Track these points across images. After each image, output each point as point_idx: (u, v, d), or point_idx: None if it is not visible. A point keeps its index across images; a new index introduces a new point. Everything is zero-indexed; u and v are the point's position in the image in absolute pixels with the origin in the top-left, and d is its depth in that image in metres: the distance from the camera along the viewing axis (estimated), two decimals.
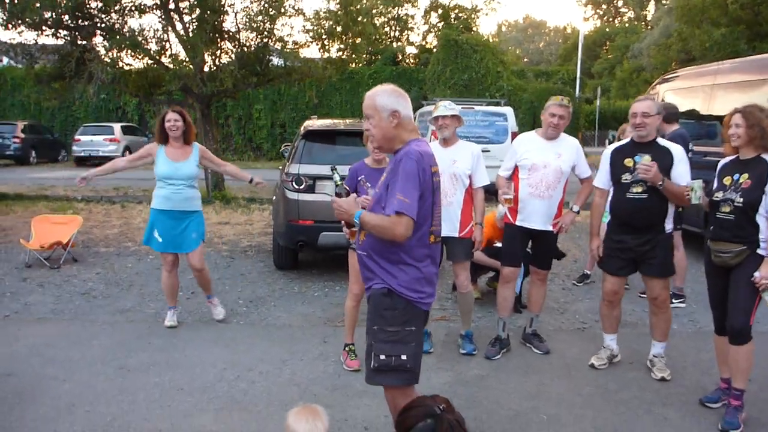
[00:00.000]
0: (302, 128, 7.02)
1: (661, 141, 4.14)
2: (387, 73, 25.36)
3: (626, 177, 4.09)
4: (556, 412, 3.74)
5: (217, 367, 4.32)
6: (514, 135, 12.88)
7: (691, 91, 8.90)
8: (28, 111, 24.69)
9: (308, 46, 12.67)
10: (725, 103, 7.91)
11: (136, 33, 11.52)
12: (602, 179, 4.32)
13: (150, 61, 11.98)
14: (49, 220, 7.75)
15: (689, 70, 9.80)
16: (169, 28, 11.77)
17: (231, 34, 11.96)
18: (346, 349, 4.43)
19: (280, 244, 6.82)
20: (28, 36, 11.27)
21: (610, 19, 58.70)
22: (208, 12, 11.19)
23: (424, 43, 35.10)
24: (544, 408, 3.78)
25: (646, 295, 5.99)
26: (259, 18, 11.67)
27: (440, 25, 33.14)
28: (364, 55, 28.30)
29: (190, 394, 3.91)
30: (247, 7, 11.76)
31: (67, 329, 5.09)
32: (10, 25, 10.70)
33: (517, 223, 4.56)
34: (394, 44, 33.79)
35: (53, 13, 10.71)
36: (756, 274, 3.47)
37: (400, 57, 32.23)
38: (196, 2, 11.24)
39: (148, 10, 11.73)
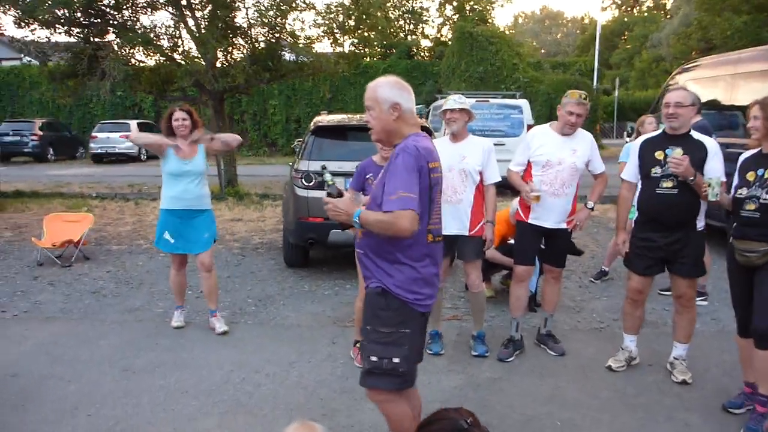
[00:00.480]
0: (312, 124, 6.92)
1: (695, 134, 3.94)
2: (402, 66, 25.20)
3: (656, 171, 3.90)
4: (571, 416, 3.60)
5: (224, 369, 4.24)
6: (530, 128, 12.69)
7: (712, 80, 8.66)
8: (47, 108, 24.93)
9: (320, 40, 12.58)
10: (747, 92, 7.68)
11: (149, 30, 11.50)
12: (630, 172, 4.13)
13: (162, 58, 11.95)
14: (61, 218, 7.73)
15: (710, 59, 9.54)
16: (181, 25, 11.73)
17: (242, 29, 11.89)
18: (357, 345, 4.31)
19: (291, 241, 6.73)
20: (41, 34, 11.29)
21: (629, 9, 57.86)
22: (220, 8, 11.12)
23: (439, 36, 34.86)
24: (559, 413, 3.65)
25: (666, 293, 5.86)
26: (271, 13, 11.59)
27: (455, 17, 32.87)
28: (378, 49, 28.21)
29: (196, 396, 3.83)
30: (258, 2, 11.68)
31: (75, 329, 5.05)
32: (22, 23, 10.71)
33: (530, 221, 4.40)
34: (409, 38, 33.59)
35: (66, 11, 10.71)
36: None
37: (415, 50, 32.02)
38: None
39: (160, 6, 11.70)
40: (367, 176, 4.18)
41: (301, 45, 12.04)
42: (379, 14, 13.21)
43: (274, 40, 11.80)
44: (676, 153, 3.74)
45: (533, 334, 4.82)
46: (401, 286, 2.52)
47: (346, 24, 12.20)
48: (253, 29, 11.84)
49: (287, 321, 5.29)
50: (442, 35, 34.65)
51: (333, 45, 12.67)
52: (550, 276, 4.61)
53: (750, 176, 3.49)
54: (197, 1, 11.59)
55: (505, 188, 4.68)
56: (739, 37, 15.50)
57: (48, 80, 12.37)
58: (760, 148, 3.52)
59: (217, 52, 11.55)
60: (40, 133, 21.80)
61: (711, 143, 3.91)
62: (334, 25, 12.22)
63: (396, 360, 2.52)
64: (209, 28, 11.09)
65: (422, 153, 2.47)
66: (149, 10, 11.68)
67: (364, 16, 12.13)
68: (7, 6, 10.69)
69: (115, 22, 11.38)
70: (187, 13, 11.69)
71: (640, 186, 4.07)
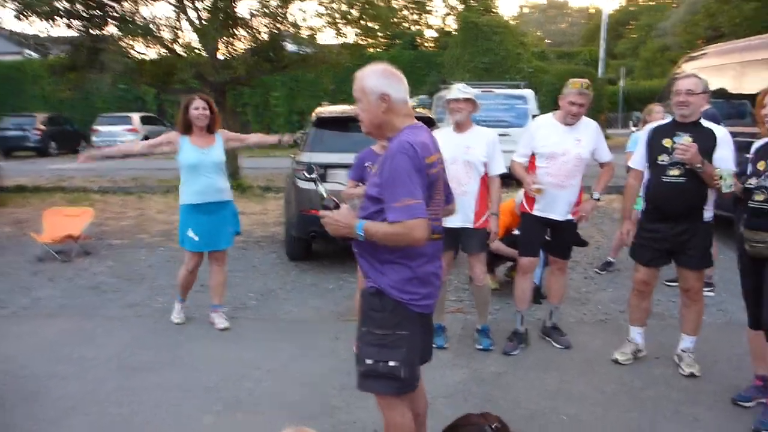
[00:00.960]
0: (313, 115, 6.84)
1: (705, 122, 3.84)
2: (406, 57, 25.04)
3: (663, 158, 3.80)
4: (577, 411, 3.53)
5: (224, 365, 4.18)
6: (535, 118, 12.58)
7: (719, 69, 8.51)
8: (49, 102, 24.83)
9: (323, 31, 12.47)
10: (755, 81, 7.54)
11: (149, 21, 11.39)
12: (638, 159, 4.04)
13: (163, 50, 11.86)
14: (61, 212, 7.68)
15: (717, 48, 9.40)
16: (182, 16, 11.63)
17: (244, 20, 11.78)
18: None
19: (293, 234, 6.66)
20: (41, 27, 11.20)
21: None
22: None
23: (443, 26, 34.62)
24: (565, 407, 3.57)
25: (672, 284, 5.77)
26: (273, 3, 11.47)
27: (460, 7, 32.61)
28: (383, 39, 28.03)
29: (196, 394, 3.77)
30: None
31: (75, 325, 4.99)
32: (22, 16, 10.63)
33: (535, 212, 4.31)
34: (413, 28, 33.35)
35: (65, 3, 10.62)
36: None
37: (419, 41, 31.82)
38: None
39: None
40: (366, 164, 4.10)
41: (303, 35, 11.93)
42: (382, 4, 13.08)
43: (276, 31, 11.69)
44: (684, 140, 3.66)
45: (538, 326, 4.75)
46: (396, 286, 2.39)
47: (349, 14, 12.07)
48: (254, 20, 11.73)
49: (289, 316, 5.23)
50: (446, 25, 34.42)
51: (336, 35, 12.54)
52: (555, 268, 4.52)
53: (761, 165, 3.40)
54: None
55: (510, 179, 4.58)
56: (747, 24, 15.27)
57: (49, 74, 12.30)
58: None
59: (219, 43, 11.45)
60: (43, 127, 21.75)
61: (721, 132, 3.81)
62: (337, 15, 12.09)
63: (392, 363, 2.39)
64: (210, 19, 10.99)
65: (419, 150, 2.31)
66: (149, 1, 11.58)
67: (367, 6, 12.00)
68: None
69: (116, 14, 11.28)
70: (188, 3, 11.59)
71: (647, 175, 3.98)
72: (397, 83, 2.43)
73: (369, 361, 2.43)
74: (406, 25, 33.43)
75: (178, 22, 11.68)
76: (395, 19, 27.77)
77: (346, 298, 5.58)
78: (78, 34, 11.37)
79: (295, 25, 11.88)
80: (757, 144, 3.51)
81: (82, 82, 11.91)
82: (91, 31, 11.20)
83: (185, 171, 4.69)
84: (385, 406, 2.52)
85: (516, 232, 5.35)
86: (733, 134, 5.27)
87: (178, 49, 11.81)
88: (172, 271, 6.44)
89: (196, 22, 11.46)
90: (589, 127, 4.31)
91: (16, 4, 10.48)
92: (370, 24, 13.09)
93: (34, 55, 20.84)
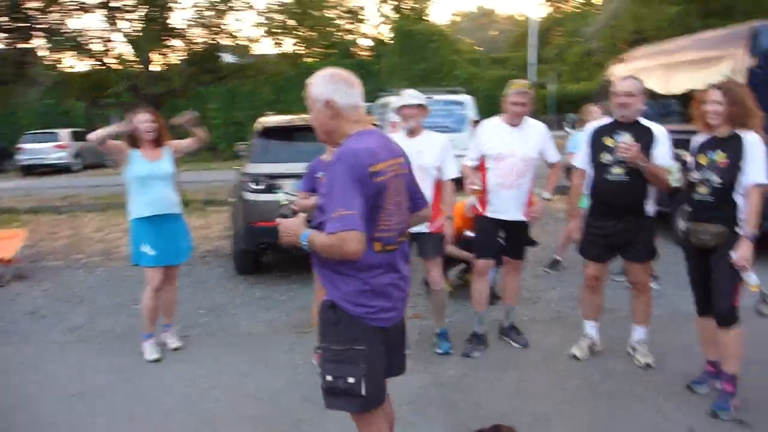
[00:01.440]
0: (257, 125, 6.72)
1: (644, 121, 3.97)
2: (344, 66, 24.76)
3: (607, 157, 3.92)
4: (542, 409, 3.56)
5: (179, 387, 4.02)
6: (475, 123, 12.76)
7: (646, 70, 8.85)
8: None
9: (260, 41, 12.32)
10: (681, 81, 7.89)
11: (78, 33, 10.96)
12: (582, 159, 4.15)
13: (94, 63, 11.44)
14: None
15: (645, 50, 9.78)
16: (114, 27, 11.24)
17: (179, 31, 11.50)
18: (319, 351, 4.15)
19: (241, 247, 6.51)
20: None
21: (560, 5, 59.26)
22: (154, 9, 10.71)
23: (377, 34, 34.84)
24: (527, 406, 3.60)
25: (618, 279, 5.94)
26: (208, 14, 11.25)
27: (393, 16, 32.91)
28: (319, 49, 27.91)
29: (152, 420, 3.60)
30: (196, 2, 11.31)
31: (13, 352, 4.72)
32: None
33: (488, 214, 4.36)
34: (348, 37, 33.39)
35: None
36: (732, 254, 3.35)
37: (354, 49, 31.89)
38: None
39: (90, 8, 11.18)
40: (317, 175, 4.04)
41: (239, 46, 11.75)
42: (317, 14, 13.03)
43: (212, 42, 11.47)
44: (626, 139, 3.77)
45: (495, 327, 4.78)
46: (348, 299, 2.31)
47: (286, 24, 11.96)
48: (189, 30, 11.47)
49: (241, 330, 5.09)
50: (380, 34, 34.65)
51: (274, 45, 12.41)
52: (510, 268, 4.57)
53: (702, 160, 3.53)
54: (130, 3, 11.13)
55: (461, 183, 4.62)
56: (671, 27, 15.93)
57: None
58: (712, 133, 3.55)
59: (153, 54, 11.13)
60: None
61: (658, 129, 3.96)
62: (275, 25, 11.96)
63: (351, 380, 2.29)
64: (144, 30, 10.67)
65: (360, 157, 2.22)
66: (78, 12, 11.14)
67: (303, 16, 11.93)
68: None
69: (42, 26, 10.80)
70: (119, 15, 11.22)
71: (591, 173, 4.09)
72: (345, 87, 2.36)
73: (329, 378, 2.34)
74: (341, 34, 33.49)
75: (109, 34, 11.29)
76: (330, 29, 27.79)
77: (298, 310, 5.49)
78: (3, 47, 10.84)
79: (232, 35, 11.68)
80: (698, 139, 3.65)
81: (7, 96, 11.34)
82: (16, 44, 10.69)
83: (135, 184, 4.50)
84: (357, 422, 2.45)
85: (468, 234, 5.39)
86: None
87: (110, 62, 11.41)
88: (113, 291, 6.22)
89: (129, 32, 11.10)
90: (536, 128, 4.39)
91: None
92: (307, 33, 13.01)
93: None
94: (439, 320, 4.53)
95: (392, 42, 26.12)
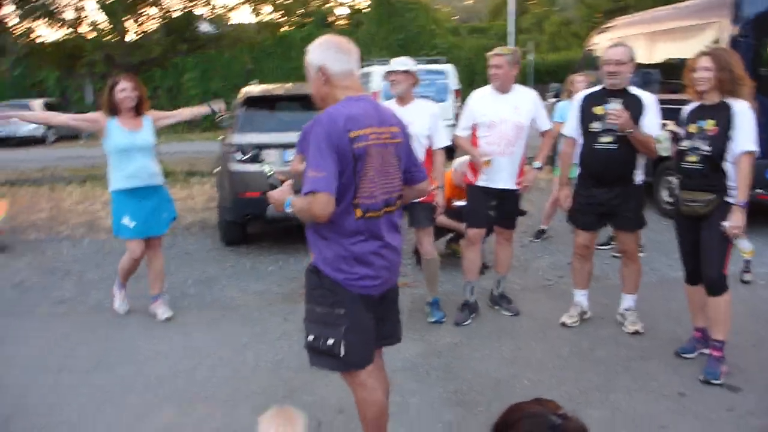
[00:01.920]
0: (242, 94, 6.62)
1: (633, 89, 3.98)
2: (319, 35, 24.59)
3: (595, 125, 3.94)
4: (538, 377, 3.62)
5: (173, 357, 4.01)
6: (457, 93, 12.70)
7: (630, 39, 8.85)
8: None
9: (237, 8, 12.06)
10: (666, 50, 7.93)
11: (50, 1, 10.63)
12: (571, 127, 4.16)
13: (68, 31, 11.12)
14: None
15: (627, 19, 9.78)
16: None
17: None
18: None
19: (227, 219, 6.46)
20: None
21: None
22: None
23: (354, 3, 34.31)
24: (524, 373, 3.66)
25: (604, 248, 6.03)
26: None
27: None
28: (296, 18, 27.47)
29: (148, 389, 3.60)
30: None
31: (0, 326, 4.65)
32: None
33: (480, 183, 4.36)
34: (325, 6, 32.85)
35: None
36: (725, 223, 3.40)
37: (331, 18, 31.40)
38: None
39: None
40: None
41: (218, 15, 11.50)
42: None
43: (189, 10, 11.20)
44: (615, 106, 3.78)
45: (485, 296, 4.82)
46: (329, 263, 2.37)
47: None
48: None
49: (233, 302, 5.08)
50: (357, 2, 34.14)
51: (252, 13, 12.18)
52: (502, 238, 4.60)
53: (692, 128, 3.56)
54: None
55: (451, 153, 4.62)
56: None
57: None
58: (701, 101, 3.57)
59: (128, 23, 10.84)
60: None
61: (648, 97, 3.98)
62: None
63: (330, 341, 2.36)
64: None
65: (339, 121, 2.24)
66: None
67: None
68: None
69: None
70: None
71: (580, 141, 4.11)
72: (338, 54, 2.40)
73: (310, 338, 2.43)
74: (318, 2, 32.92)
75: (81, 2, 10.97)
76: None
77: (289, 280, 5.49)
78: None
79: (209, 3, 11.43)
80: (688, 108, 3.68)
81: None
82: None
83: (115, 155, 4.43)
84: (347, 380, 2.53)
85: (457, 203, 5.41)
86: None
87: (84, 31, 11.10)
88: (101, 263, 6.14)
89: (102, 0, 10.80)
90: (526, 95, 4.38)
91: None
92: (284, 1, 12.78)
93: None
94: (431, 289, 4.57)
95: (369, 10, 25.73)
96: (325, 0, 33.47)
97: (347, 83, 2.40)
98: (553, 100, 8.89)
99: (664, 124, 3.94)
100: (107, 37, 10.81)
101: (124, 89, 4.39)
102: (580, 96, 4.22)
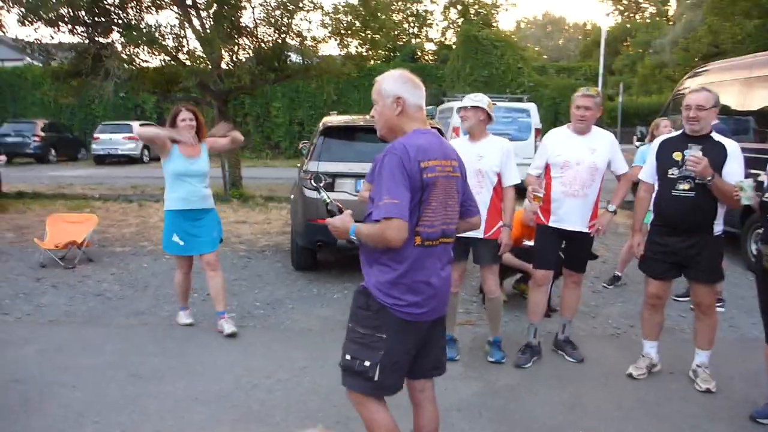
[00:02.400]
0: (321, 124, 6.82)
1: (716, 136, 3.84)
2: (407, 70, 25.10)
3: (673, 172, 3.81)
4: (596, 426, 3.48)
5: (234, 374, 4.12)
6: (538, 132, 12.56)
7: (723, 84, 8.54)
8: (48, 109, 24.74)
9: (326, 41, 12.47)
10: (762, 97, 7.57)
11: (153, 29, 11.37)
12: (648, 172, 4.05)
13: (167, 58, 11.84)
14: (64, 219, 7.61)
15: (721, 64, 9.43)
16: (186, 24, 11.61)
17: (249, 29, 11.79)
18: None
19: (299, 244, 6.62)
20: (45, 32, 11.17)
21: (631, 15, 57.77)
22: (226, 7, 11.02)
23: (443, 39, 34.81)
24: (581, 422, 3.52)
25: (682, 299, 5.75)
26: (277, 13, 11.48)
27: (459, 21, 32.84)
28: (383, 52, 28.14)
29: (206, 403, 3.71)
30: (265, 1, 11.57)
31: (79, 332, 4.93)
32: (26, 22, 10.60)
33: (551, 223, 4.29)
34: (413, 41, 33.52)
35: (70, 9, 10.60)
36: None
37: (419, 54, 31.98)
38: None
39: (165, 5, 11.59)
40: None
41: (306, 46, 11.93)
42: (384, 16, 13.10)
43: (280, 41, 11.69)
44: (694, 152, 3.64)
45: (549, 340, 4.70)
46: (380, 288, 2.41)
47: (354, 25, 12.09)
48: (259, 29, 11.73)
49: (297, 325, 5.17)
50: (446, 39, 34.61)
51: (340, 46, 12.56)
52: (570, 281, 4.48)
53: None
54: (202, 1, 11.48)
55: (521, 190, 4.56)
56: (750, 41, 15.32)
57: (51, 80, 12.23)
58: None
59: (223, 51, 11.42)
60: (42, 134, 21.68)
61: (731, 145, 3.81)
62: (341, 26, 12.10)
63: (366, 363, 2.41)
64: (215, 28, 10.98)
65: (410, 152, 2.33)
66: (154, 9, 11.57)
67: (370, 18, 12.03)
68: (11, 4, 10.57)
69: (120, 21, 11.26)
70: (193, 12, 11.59)
71: (657, 187, 3.98)
72: (413, 88, 2.50)
73: (347, 357, 2.48)
74: (406, 38, 33.62)
75: (182, 31, 11.66)
76: (395, 32, 27.94)
77: None
78: (81, 41, 11.34)
79: (299, 34, 11.88)
80: None
81: (84, 89, 11.85)
82: (95, 38, 11.17)
83: (171, 178, 4.80)
84: (358, 403, 2.55)
85: (526, 243, 5.33)
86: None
87: (182, 57, 11.79)
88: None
89: (200, 30, 11.44)
90: (604, 137, 4.30)
91: (21, 9, 10.45)
92: (372, 36, 13.10)
93: (35, 63, 20.77)
94: (493, 328, 4.49)
95: (456, 47, 26.00)
96: (414, 35, 34.32)
97: (418, 116, 2.50)
98: (638, 144, 8.64)
99: (756, 175, 3.76)
100: (202, 65, 11.40)
101: (184, 120, 4.74)
102: (658, 140, 4.10)
